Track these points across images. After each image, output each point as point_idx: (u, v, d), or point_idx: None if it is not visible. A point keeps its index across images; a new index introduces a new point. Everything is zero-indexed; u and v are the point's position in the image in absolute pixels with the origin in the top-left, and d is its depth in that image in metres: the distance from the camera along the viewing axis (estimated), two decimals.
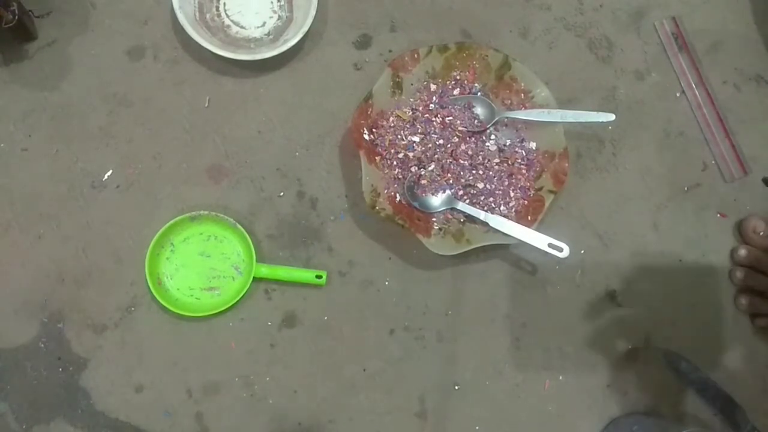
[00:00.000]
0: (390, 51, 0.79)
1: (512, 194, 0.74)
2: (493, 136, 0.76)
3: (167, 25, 0.77)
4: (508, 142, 0.76)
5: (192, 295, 0.72)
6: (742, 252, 0.76)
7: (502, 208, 0.74)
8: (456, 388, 0.73)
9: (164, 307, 0.69)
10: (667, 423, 0.72)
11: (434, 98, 0.76)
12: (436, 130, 0.75)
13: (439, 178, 0.74)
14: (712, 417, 0.74)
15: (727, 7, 0.83)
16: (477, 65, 0.76)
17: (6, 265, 0.71)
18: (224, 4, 0.78)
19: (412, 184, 0.74)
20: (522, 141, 0.76)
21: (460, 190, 0.74)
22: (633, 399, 0.74)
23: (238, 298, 0.70)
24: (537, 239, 0.70)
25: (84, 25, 0.76)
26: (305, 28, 0.74)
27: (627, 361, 0.75)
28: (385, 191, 0.72)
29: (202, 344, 0.71)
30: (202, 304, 0.71)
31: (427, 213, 0.73)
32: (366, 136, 0.73)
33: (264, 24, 0.78)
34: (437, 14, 0.80)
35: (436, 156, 0.74)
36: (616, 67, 0.81)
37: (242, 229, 0.71)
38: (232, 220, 0.71)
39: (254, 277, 0.71)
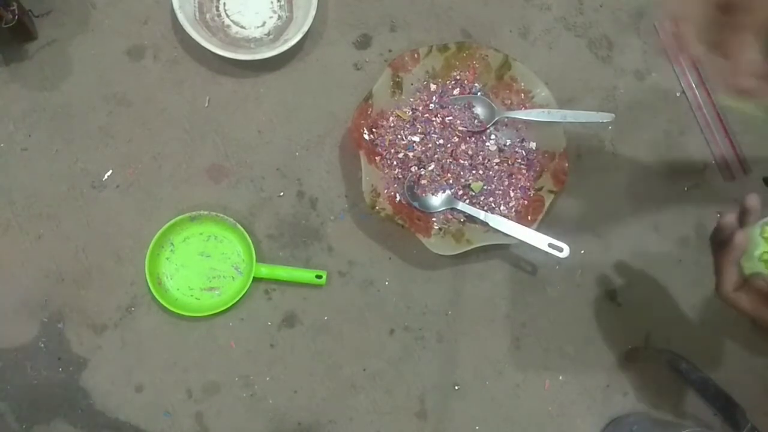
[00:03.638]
0: (390, 51, 0.79)
1: (512, 194, 0.74)
2: (493, 136, 0.76)
3: (167, 25, 0.77)
4: (508, 142, 0.76)
5: (192, 295, 0.72)
6: None
7: (502, 208, 0.74)
8: (456, 388, 0.73)
9: (164, 307, 0.69)
10: (667, 423, 0.72)
11: (434, 98, 0.76)
12: (436, 130, 0.75)
13: (439, 178, 0.74)
14: (712, 417, 0.74)
15: None
16: (477, 65, 0.76)
17: (6, 265, 0.71)
18: (224, 4, 0.78)
19: (412, 184, 0.74)
20: (522, 141, 0.76)
21: (460, 190, 0.74)
22: (633, 399, 0.74)
23: (238, 298, 0.70)
24: (537, 239, 0.70)
25: (84, 25, 0.76)
26: (305, 28, 0.74)
27: (627, 361, 0.75)
28: (385, 191, 0.73)
29: (202, 344, 0.71)
30: (202, 304, 0.71)
31: (427, 213, 0.73)
32: (366, 136, 0.73)
33: (264, 24, 0.78)
34: (437, 14, 0.80)
35: (436, 156, 0.74)
36: (616, 67, 0.81)
37: (242, 229, 0.71)
38: (232, 220, 0.71)
39: (254, 277, 0.71)
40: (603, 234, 0.77)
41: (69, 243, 0.72)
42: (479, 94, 0.76)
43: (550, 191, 0.73)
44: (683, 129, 0.80)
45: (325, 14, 0.79)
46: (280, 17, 0.79)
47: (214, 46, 0.73)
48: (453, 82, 0.76)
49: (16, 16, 0.68)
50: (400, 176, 0.74)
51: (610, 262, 0.77)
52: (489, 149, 0.76)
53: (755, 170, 0.79)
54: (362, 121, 0.72)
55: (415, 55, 0.74)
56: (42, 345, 0.70)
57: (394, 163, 0.74)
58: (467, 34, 0.80)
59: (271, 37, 0.78)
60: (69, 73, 0.75)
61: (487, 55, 0.75)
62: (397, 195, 0.73)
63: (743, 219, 0.56)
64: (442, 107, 0.75)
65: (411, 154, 0.74)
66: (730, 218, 0.56)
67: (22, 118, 0.74)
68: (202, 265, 0.73)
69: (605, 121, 0.73)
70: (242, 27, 0.78)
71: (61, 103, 0.74)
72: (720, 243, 0.57)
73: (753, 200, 0.56)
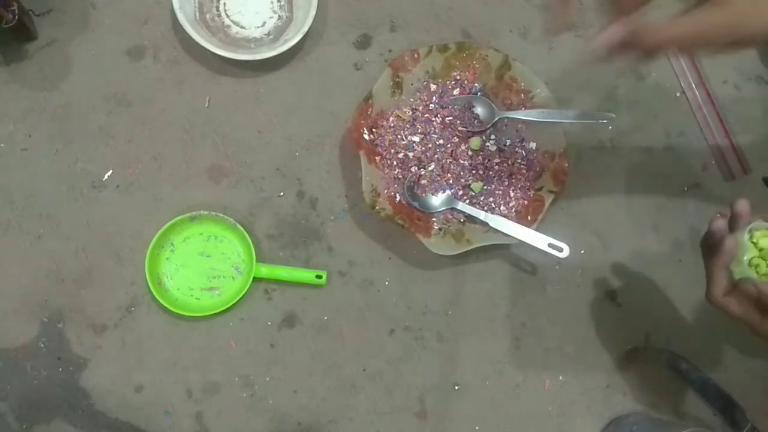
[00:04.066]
0: (390, 51, 0.79)
1: (512, 194, 0.74)
2: (493, 136, 0.76)
3: (167, 25, 0.77)
4: (508, 142, 0.76)
5: (192, 295, 0.72)
6: None
7: (502, 208, 0.74)
8: (456, 388, 0.73)
9: (164, 307, 0.69)
10: (667, 423, 0.72)
11: (434, 98, 0.76)
12: (436, 130, 0.75)
13: (439, 178, 0.74)
14: (712, 417, 0.74)
15: None
16: (477, 65, 0.76)
17: (6, 265, 0.71)
18: (224, 4, 0.78)
19: (412, 184, 0.74)
20: (522, 141, 0.76)
21: (460, 190, 0.74)
22: (633, 399, 0.74)
23: (238, 298, 0.70)
24: (537, 239, 0.70)
25: (84, 25, 0.76)
26: (305, 28, 0.74)
27: (627, 361, 0.75)
28: (385, 191, 0.73)
29: (202, 344, 0.71)
30: (202, 304, 0.71)
31: (427, 213, 0.73)
32: (366, 136, 0.73)
33: (264, 24, 0.78)
34: (437, 14, 0.80)
35: (436, 156, 0.74)
36: (616, 67, 0.81)
37: (242, 229, 0.71)
38: (232, 220, 0.71)
39: (254, 277, 0.71)
40: (603, 234, 0.77)
41: (69, 243, 0.72)
42: (479, 94, 0.76)
43: (550, 191, 0.73)
44: (683, 129, 0.80)
45: (325, 14, 0.79)
46: (280, 17, 0.79)
47: (214, 46, 0.73)
48: (453, 82, 0.76)
49: (16, 16, 0.68)
50: (400, 176, 0.74)
51: (610, 262, 0.77)
52: (489, 149, 0.76)
53: (755, 170, 0.79)
54: (362, 121, 0.72)
55: (415, 55, 0.74)
56: (42, 345, 0.70)
57: (394, 163, 0.74)
58: (467, 34, 0.80)
59: (271, 37, 0.78)
60: (69, 73, 0.75)
61: (487, 55, 0.75)
62: (397, 195, 0.73)
63: (733, 224, 0.56)
64: (442, 107, 0.75)
65: (411, 154, 0.74)
66: (720, 223, 0.56)
67: (22, 118, 0.74)
68: (202, 265, 0.73)
69: (605, 121, 0.73)
70: (242, 27, 0.78)
71: (61, 103, 0.74)
72: (710, 248, 0.57)
73: (742, 205, 0.56)
